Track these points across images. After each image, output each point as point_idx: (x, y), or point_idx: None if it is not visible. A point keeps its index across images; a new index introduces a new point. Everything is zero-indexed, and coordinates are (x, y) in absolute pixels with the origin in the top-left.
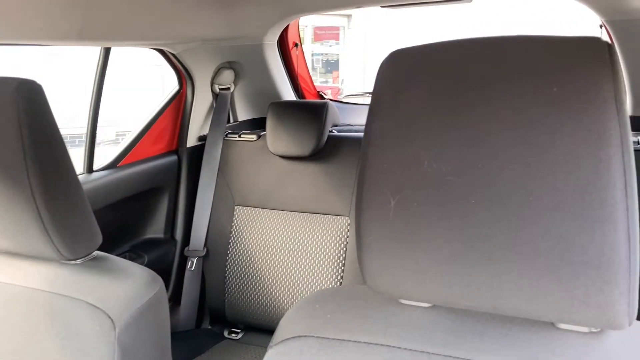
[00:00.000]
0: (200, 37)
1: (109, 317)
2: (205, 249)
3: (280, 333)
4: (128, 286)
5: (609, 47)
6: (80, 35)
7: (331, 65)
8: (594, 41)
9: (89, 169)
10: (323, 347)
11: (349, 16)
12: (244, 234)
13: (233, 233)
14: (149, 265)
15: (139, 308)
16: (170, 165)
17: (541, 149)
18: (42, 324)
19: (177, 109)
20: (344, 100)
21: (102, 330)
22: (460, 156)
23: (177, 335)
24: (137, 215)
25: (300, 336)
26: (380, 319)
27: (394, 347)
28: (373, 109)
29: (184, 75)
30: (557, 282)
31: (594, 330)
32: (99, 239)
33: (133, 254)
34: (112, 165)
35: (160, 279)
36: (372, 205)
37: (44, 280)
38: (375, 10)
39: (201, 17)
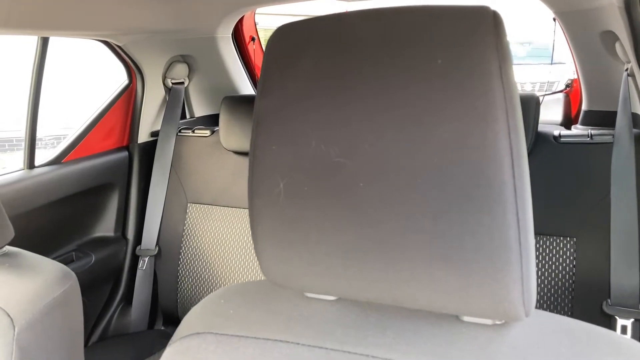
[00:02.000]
0: (148, 29)
1: (8, 316)
2: (157, 248)
3: (180, 330)
4: (33, 283)
5: (495, 15)
6: (6, 22)
7: None
8: (479, 10)
9: (30, 164)
10: (221, 344)
11: None
12: (197, 232)
13: (186, 231)
14: (98, 264)
15: (44, 306)
16: (120, 161)
17: (427, 127)
18: None
19: (127, 103)
20: None
21: (0, 330)
22: (348, 136)
23: (128, 337)
24: (84, 213)
25: (199, 333)
26: (283, 314)
27: (292, 343)
28: (261, 86)
29: (132, 69)
30: (451, 270)
31: (497, 322)
32: (9, 234)
33: (80, 253)
34: (57, 161)
35: (73, 275)
36: (263, 190)
37: None
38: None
39: (147, 6)
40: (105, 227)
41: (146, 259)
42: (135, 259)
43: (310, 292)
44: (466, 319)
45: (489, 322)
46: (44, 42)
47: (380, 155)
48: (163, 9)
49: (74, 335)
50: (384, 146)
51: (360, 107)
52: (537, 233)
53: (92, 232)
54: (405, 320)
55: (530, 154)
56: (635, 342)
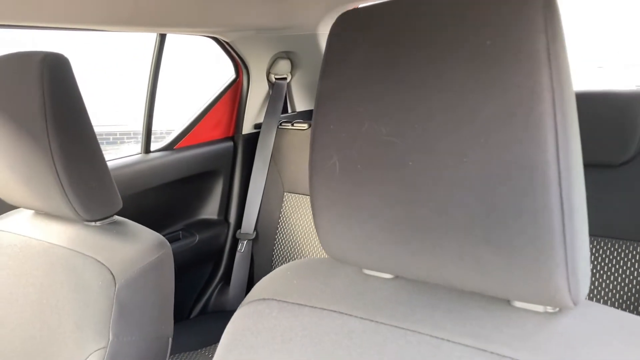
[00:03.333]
0: (253, 26)
1: (111, 274)
2: (255, 233)
3: (250, 295)
4: (134, 248)
5: None
6: (132, 20)
7: None
8: None
9: (146, 149)
10: (282, 310)
11: None
12: (292, 220)
13: (281, 219)
14: (201, 244)
15: (141, 268)
16: (226, 150)
17: (473, 107)
18: (58, 276)
19: (234, 96)
20: None
21: (104, 285)
22: (398, 117)
23: (225, 314)
24: (192, 196)
25: (264, 299)
26: (340, 288)
27: (345, 314)
28: (322, 70)
29: (239, 64)
30: (496, 251)
31: (549, 310)
32: (118, 205)
33: (186, 233)
34: (169, 147)
35: (167, 245)
36: (320, 166)
37: (66, 238)
38: None
39: (253, 5)
40: (210, 210)
41: (245, 243)
42: (235, 242)
43: (364, 267)
44: (517, 304)
45: (540, 309)
46: (162, 39)
47: (428, 135)
48: (268, 7)
49: (165, 297)
50: (432, 126)
51: (410, 89)
52: None
53: (197, 214)
54: (456, 301)
55: (635, 157)
56: None
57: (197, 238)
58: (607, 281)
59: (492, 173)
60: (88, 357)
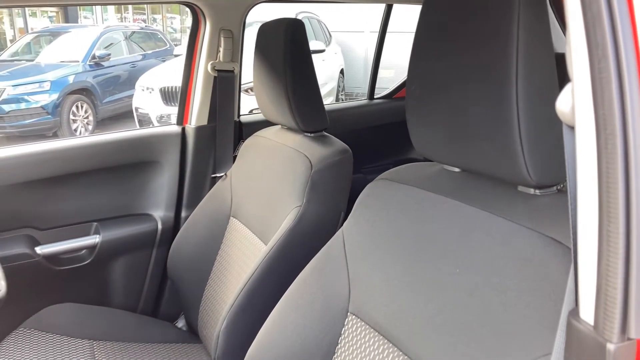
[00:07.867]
0: None
1: (310, 163)
2: None
3: (377, 178)
4: (327, 150)
5: None
6: None
7: None
8: None
9: (371, 96)
10: (388, 186)
11: None
12: None
13: None
14: None
15: (329, 162)
16: None
17: (477, 56)
18: (277, 161)
19: None
20: None
21: (305, 169)
22: (445, 59)
23: None
24: (404, 138)
25: (382, 179)
26: (426, 176)
27: (422, 189)
28: (416, 29)
29: None
30: (488, 142)
31: (538, 193)
32: (325, 124)
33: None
34: (389, 97)
35: (349, 152)
36: (409, 91)
37: (290, 142)
38: None
39: None
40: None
41: None
42: None
43: (435, 160)
44: (520, 188)
45: (531, 191)
46: (389, 9)
47: (455, 71)
48: None
49: (342, 186)
50: (455, 66)
51: (448, 49)
52: None
53: (407, 154)
54: (486, 185)
55: None
56: None
57: None
58: None
59: (483, 94)
60: (291, 210)
